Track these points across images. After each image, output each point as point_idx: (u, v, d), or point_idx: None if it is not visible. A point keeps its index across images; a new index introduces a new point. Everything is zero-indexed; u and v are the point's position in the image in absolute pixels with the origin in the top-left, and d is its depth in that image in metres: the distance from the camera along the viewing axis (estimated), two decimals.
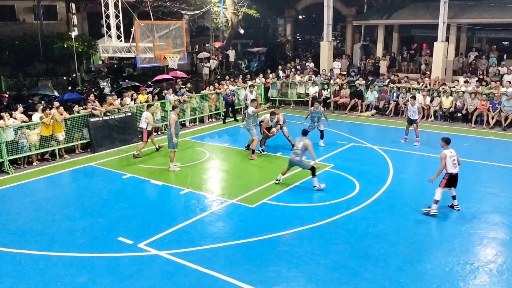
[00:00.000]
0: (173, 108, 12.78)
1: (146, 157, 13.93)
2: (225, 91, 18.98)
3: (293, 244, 8.24)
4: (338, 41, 33.93)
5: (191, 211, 9.79)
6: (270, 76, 22.04)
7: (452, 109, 18.09)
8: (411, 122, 14.78)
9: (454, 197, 9.55)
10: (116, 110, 15.41)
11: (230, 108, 18.76)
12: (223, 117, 18.95)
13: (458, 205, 9.58)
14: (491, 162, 12.77)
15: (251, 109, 13.59)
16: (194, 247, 8.18)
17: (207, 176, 12.24)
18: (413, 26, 26.33)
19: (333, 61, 25.10)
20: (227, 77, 21.24)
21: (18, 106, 14.11)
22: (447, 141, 9.50)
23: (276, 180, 11.21)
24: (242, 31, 33.41)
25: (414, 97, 16.03)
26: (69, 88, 21.03)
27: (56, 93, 18.98)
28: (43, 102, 16.43)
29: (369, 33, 30.95)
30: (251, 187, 11.11)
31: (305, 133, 11.05)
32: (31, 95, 18.02)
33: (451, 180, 9.27)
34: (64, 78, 24.11)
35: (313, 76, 21.91)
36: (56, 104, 14.37)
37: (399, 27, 26.87)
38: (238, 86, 20.15)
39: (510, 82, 17.98)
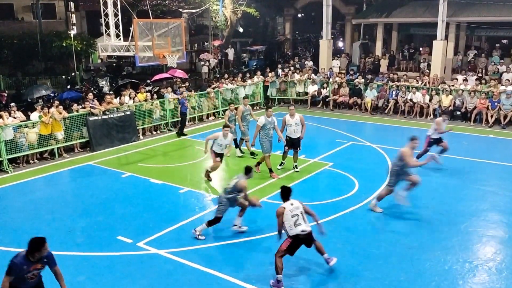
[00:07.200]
0: None
1: (145, 156, 13.93)
2: (181, 95, 16.78)
3: None
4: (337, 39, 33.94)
5: (191, 210, 9.80)
6: (269, 74, 22.03)
7: (451, 108, 18.09)
8: None
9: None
10: (115, 109, 15.40)
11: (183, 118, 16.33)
12: (178, 128, 16.44)
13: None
14: (490, 160, 12.79)
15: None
16: (193, 245, 8.19)
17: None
18: (412, 24, 26.32)
19: (332, 59, 25.10)
20: (226, 76, 21.19)
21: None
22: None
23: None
24: (241, 30, 33.36)
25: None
26: (68, 86, 21.01)
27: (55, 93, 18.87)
28: (40, 101, 16.32)
29: (368, 32, 30.92)
30: (250, 186, 11.04)
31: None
32: (32, 102, 17.48)
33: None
34: (63, 77, 24.12)
35: (312, 75, 21.91)
36: (56, 103, 14.36)
37: (398, 25, 26.85)
38: (237, 85, 20.14)
39: (509, 81, 17.98)
